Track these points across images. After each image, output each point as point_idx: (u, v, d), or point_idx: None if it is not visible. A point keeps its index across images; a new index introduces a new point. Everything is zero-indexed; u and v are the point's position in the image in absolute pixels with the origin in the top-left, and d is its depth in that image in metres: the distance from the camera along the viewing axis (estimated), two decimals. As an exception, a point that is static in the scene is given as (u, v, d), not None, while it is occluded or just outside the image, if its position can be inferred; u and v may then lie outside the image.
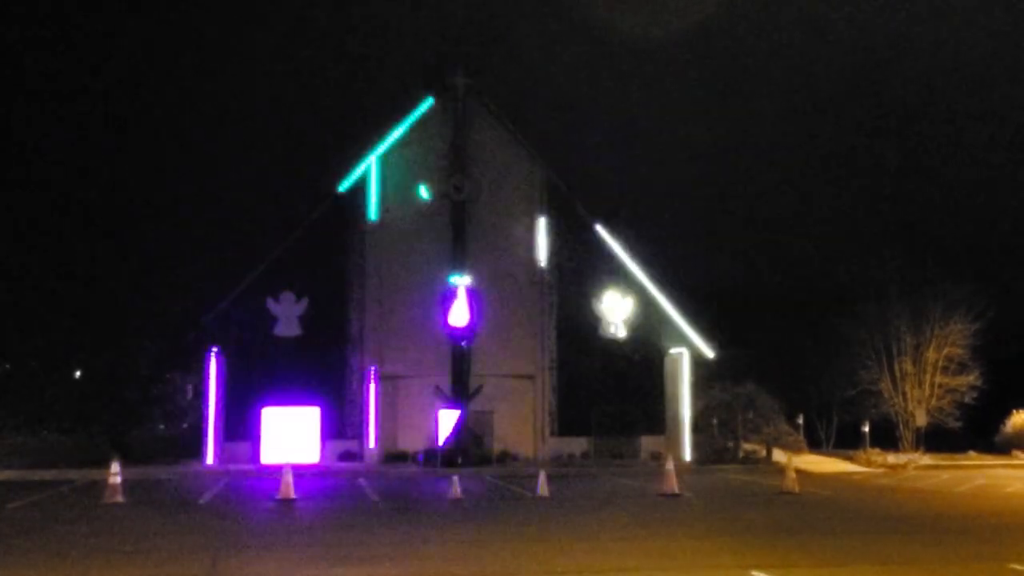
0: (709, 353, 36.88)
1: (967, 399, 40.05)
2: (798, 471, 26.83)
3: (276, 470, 25.90)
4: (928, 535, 17.86)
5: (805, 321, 43.03)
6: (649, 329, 36.77)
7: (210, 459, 33.41)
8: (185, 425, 39.83)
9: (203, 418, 34.10)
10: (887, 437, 40.13)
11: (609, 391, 36.10)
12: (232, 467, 32.41)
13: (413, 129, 36.40)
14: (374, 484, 27.63)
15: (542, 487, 23.77)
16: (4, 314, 35.68)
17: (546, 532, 17.89)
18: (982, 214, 57.03)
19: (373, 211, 35.71)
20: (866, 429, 38.36)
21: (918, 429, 39.73)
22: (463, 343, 34.54)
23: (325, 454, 34.50)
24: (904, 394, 40.44)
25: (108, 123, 51.64)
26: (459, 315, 34.50)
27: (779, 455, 35.40)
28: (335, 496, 24.97)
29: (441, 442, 33.62)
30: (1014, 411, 42.34)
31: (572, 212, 36.83)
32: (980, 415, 41.26)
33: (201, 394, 35.05)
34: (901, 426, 40.63)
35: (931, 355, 40.19)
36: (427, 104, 36.37)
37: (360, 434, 34.78)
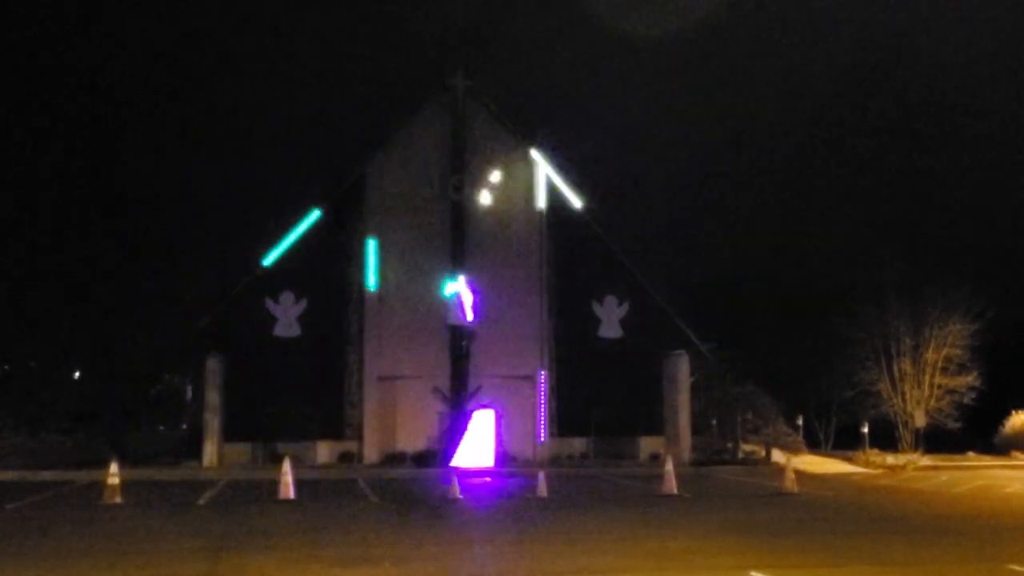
0: (708, 354, 36.89)
1: (966, 400, 40.06)
2: (797, 472, 26.83)
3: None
4: (927, 536, 17.86)
5: (805, 321, 43.03)
6: (648, 330, 36.76)
7: (209, 460, 33.39)
8: (184, 426, 39.82)
9: (202, 419, 34.08)
10: (886, 438, 40.14)
11: (608, 392, 36.08)
12: (231, 468, 32.39)
13: (413, 129, 36.40)
14: (373, 484, 27.62)
15: (541, 487, 23.78)
16: (4, 315, 35.71)
17: (546, 532, 17.90)
18: (982, 214, 57.00)
19: (372, 211, 35.66)
20: (865, 430, 38.38)
21: (917, 430, 39.75)
22: (462, 343, 34.54)
23: (324, 455, 34.49)
24: (903, 395, 40.45)
25: (108, 123, 51.64)
26: (458, 315, 34.49)
27: (778, 456, 35.44)
28: (334, 496, 24.97)
29: (443, 443, 33.62)
30: (1013, 412, 42.35)
31: (572, 211, 36.83)
32: (979, 416, 41.27)
33: (200, 395, 35.04)
34: (900, 427, 40.64)
35: (930, 356, 40.21)
36: (427, 105, 36.42)
37: (359, 435, 34.78)
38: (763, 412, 38.60)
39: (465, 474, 29.15)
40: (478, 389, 34.45)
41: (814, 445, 41.89)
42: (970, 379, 39.89)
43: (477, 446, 34.25)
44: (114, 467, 22.89)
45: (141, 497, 23.71)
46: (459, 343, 34.50)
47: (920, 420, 39.51)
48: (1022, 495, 25.49)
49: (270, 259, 35.17)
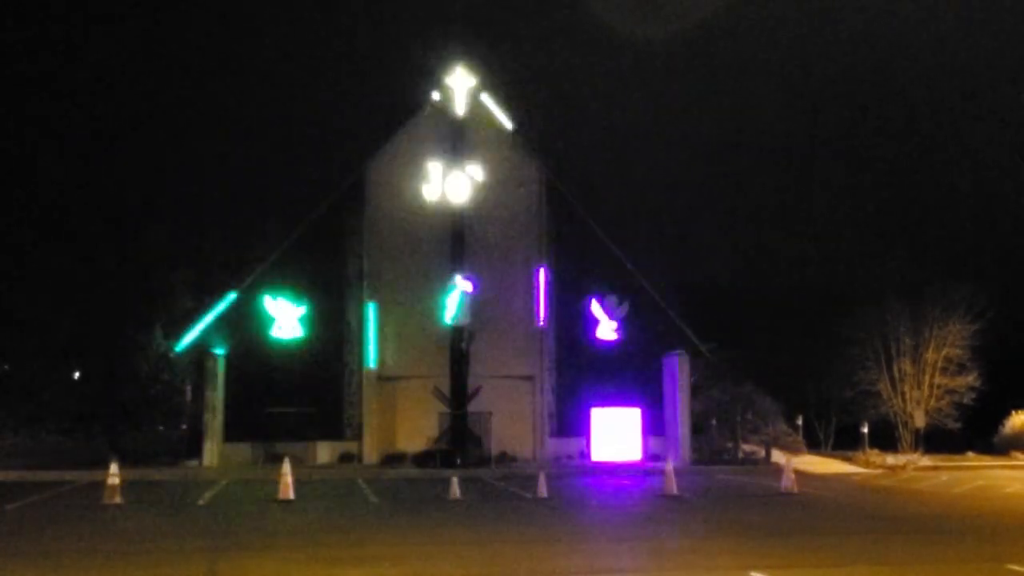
0: (708, 354, 36.87)
1: (966, 400, 40.03)
2: (797, 472, 26.82)
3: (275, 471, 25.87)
4: (927, 536, 17.86)
5: (804, 321, 43.02)
6: (648, 329, 36.74)
7: (209, 460, 33.40)
8: (184, 426, 39.80)
9: (202, 419, 34.08)
10: (886, 438, 40.11)
11: (608, 392, 36.06)
12: (231, 468, 32.38)
13: (413, 129, 36.39)
14: (373, 485, 27.62)
15: (541, 488, 23.78)
16: (4, 315, 35.71)
17: (545, 533, 17.90)
18: (982, 214, 57.01)
19: (372, 212, 35.68)
20: (865, 430, 38.34)
21: (917, 430, 39.72)
22: (462, 344, 34.53)
23: (324, 455, 34.47)
24: (903, 395, 40.44)
25: (109, 123, 51.70)
26: (458, 316, 34.49)
27: (778, 456, 35.41)
28: (334, 496, 24.97)
29: (440, 443, 33.63)
30: (1013, 412, 42.32)
31: (571, 212, 36.83)
32: (979, 416, 41.23)
33: (200, 395, 35.04)
34: (900, 427, 40.62)
35: (930, 356, 40.19)
36: (427, 106, 36.40)
37: (359, 435, 34.77)
38: (763, 412, 38.57)
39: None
40: (478, 389, 34.45)
41: (814, 445, 41.86)
42: (970, 379, 39.87)
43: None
44: (114, 467, 22.88)
45: (141, 497, 23.71)
46: (459, 343, 34.50)
47: (920, 420, 39.48)
48: (1022, 495, 25.49)
49: (270, 259, 35.18)
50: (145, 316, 37.60)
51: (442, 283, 34.78)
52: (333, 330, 35.43)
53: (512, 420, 35.60)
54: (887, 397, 40.57)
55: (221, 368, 34.35)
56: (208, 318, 34.81)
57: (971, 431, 41.34)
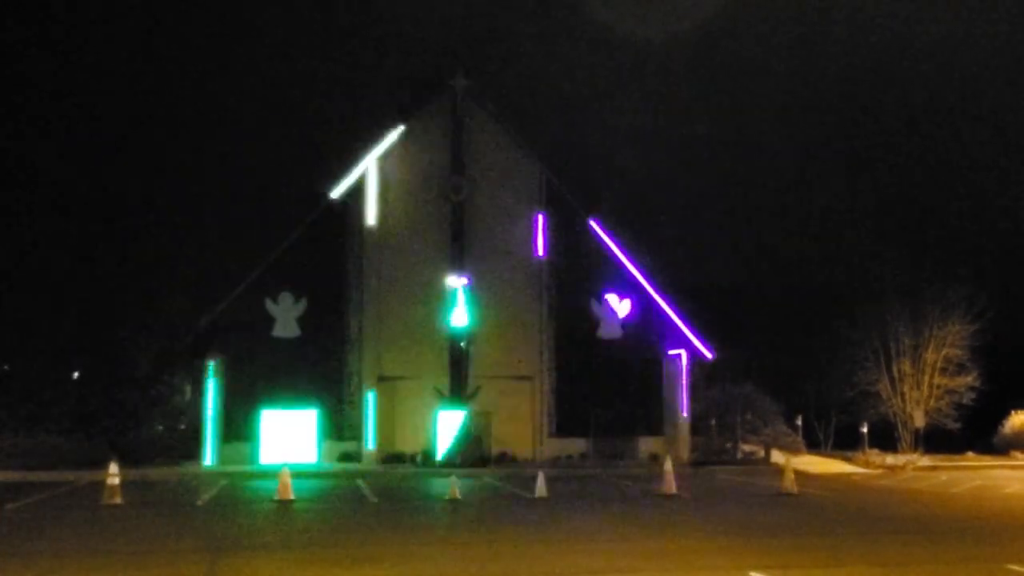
0: (708, 354, 36.89)
1: (965, 400, 40.05)
2: (796, 472, 26.81)
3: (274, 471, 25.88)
4: (926, 536, 17.87)
5: (804, 322, 43.03)
6: (648, 330, 36.77)
7: (209, 460, 33.40)
8: (183, 426, 39.77)
9: (201, 419, 34.10)
10: (886, 438, 40.12)
11: (608, 392, 36.09)
12: (231, 468, 32.40)
13: (412, 130, 36.40)
14: (372, 485, 27.62)
15: (541, 488, 23.78)
16: (4, 314, 35.69)
17: (545, 533, 17.90)
18: (982, 214, 57.01)
19: (371, 212, 35.67)
20: (865, 430, 38.34)
21: (916, 430, 39.73)
22: (462, 344, 34.53)
23: (323, 455, 34.50)
24: (902, 395, 40.44)
25: (108, 124, 51.67)
26: (458, 316, 34.50)
27: (778, 456, 35.40)
28: (334, 497, 24.98)
29: (443, 445, 33.63)
30: (1012, 412, 42.33)
31: (571, 212, 36.84)
32: (978, 416, 41.24)
33: (200, 395, 35.06)
34: (900, 427, 40.64)
35: (930, 356, 40.21)
36: (427, 105, 36.41)
37: (359, 435, 34.77)
38: (762, 412, 38.58)
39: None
40: (477, 389, 34.46)
41: (814, 445, 41.87)
42: (969, 379, 39.89)
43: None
44: (114, 467, 22.88)
45: (141, 497, 23.72)
46: (459, 343, 34.49)
47: (919, 420, 39.49)
48: (1021, 495, 25.49)
49: (269, 259, 35.17)
50: (145, 316, 37.54)
51: (441, 283, 34.78)
52: (333, 330, 35.43)
53: (512, 420, 35.61)
54: (887, 397, 40.58)
55: (221, 368, 34.34)
56: (208, 318, 34.82)
57: (971, 431, 41.35)
